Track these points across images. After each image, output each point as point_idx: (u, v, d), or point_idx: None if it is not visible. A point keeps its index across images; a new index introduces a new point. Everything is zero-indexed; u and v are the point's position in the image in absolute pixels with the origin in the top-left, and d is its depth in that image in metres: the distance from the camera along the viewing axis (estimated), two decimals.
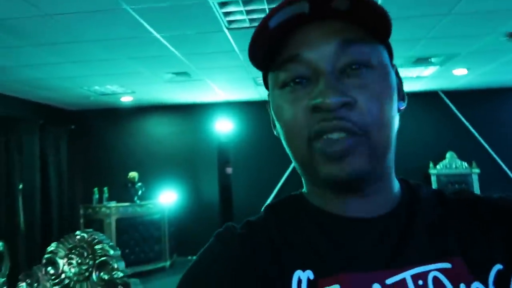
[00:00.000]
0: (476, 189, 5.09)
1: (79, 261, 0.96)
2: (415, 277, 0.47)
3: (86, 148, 6.03)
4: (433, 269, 0.48)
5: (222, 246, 0.55)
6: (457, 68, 4.40)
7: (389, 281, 0.47)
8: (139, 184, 5.48)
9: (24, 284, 0.96)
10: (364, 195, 0.53)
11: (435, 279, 0.47)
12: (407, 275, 0.47)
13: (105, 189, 5.48)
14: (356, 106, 0.48)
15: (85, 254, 0.97)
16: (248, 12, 2.65)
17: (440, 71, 4.46)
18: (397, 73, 0.57)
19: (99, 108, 6.01)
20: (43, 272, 0.96)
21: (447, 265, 0.48)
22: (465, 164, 5.22)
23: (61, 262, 0.97)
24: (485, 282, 0.47)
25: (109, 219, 5.11)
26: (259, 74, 4.30)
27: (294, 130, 0.51)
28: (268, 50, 0.51)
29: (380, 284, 0.47)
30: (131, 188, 5.41)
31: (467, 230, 0.52)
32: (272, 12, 0.47)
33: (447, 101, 5.62)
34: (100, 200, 5.42)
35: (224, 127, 6.16)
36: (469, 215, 0.54)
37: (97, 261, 0.99)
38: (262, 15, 2.71)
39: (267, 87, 0.59)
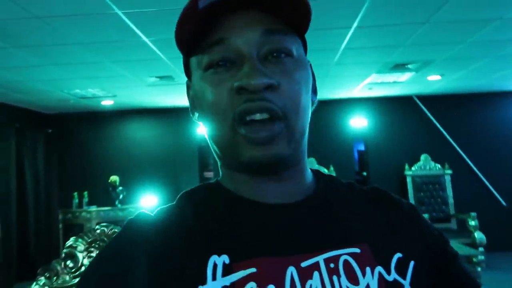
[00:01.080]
0: (449, 189, 5.32)
1: None
2: (327, 261, 0.50)
3: (64, 152, 5.91)
4: (344, 253, 0.51)
5: (134, 231, 0.54)
6: (431, 74, 4.61)
7: (303, 264, 0.49)
8: (120, 188, 5.44)
9: (42, 278, 0.99)
10: (280, 180, 0.55)
11: (345, 262, 0.50)
12: (320, 258, 0.50)
13: (85, 193, 5.41)
14: (278, 90, 0.50)
15: None
16: None
17: (415, 77, 4.66)
18: (311, 68, 0.60)
19: (78, 111, 5.93)
20: (62, 265, 0.98)
21: (356, 250, 0.52)
22: (438, 165, 5.44)
23: (80, 255, 1.00)
24: (387, 267, 0.52)
25: (90, 223, 5.04)
26: None
27: (218, 111, 0.52)
28: (193, 33, 0.52)
29: (295, 267, 0.49)
30: (112, 192, 5.36)
31: (374, 220, 0.57)
32: None
33: (421, 105, 5.85)
34: (80, 205, 5.34)
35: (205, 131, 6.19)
36: (377, 207, 0.60)
37: None
38: None
39: (186, 73, 0.60)
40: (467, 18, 2.91)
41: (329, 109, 5.92)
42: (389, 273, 0.51)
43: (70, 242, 0.97)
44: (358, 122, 5.98)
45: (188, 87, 0.62)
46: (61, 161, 5.85)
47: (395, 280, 0.51)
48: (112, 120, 6.08)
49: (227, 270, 0.48)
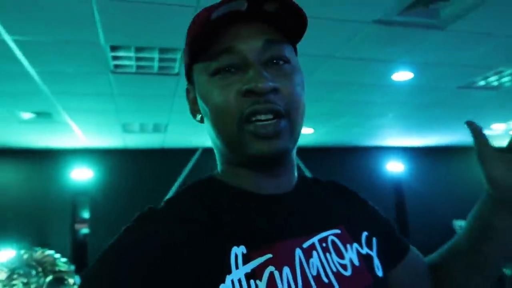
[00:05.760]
0: None
1: (25, 281, 0.87)
2: (320, 241, 0.61)
3: None
4: (330, 234, 0.63)
5: (148, 224, 0.55)
6: (305, 127, 5.20)
7: (305, 245, 0.59)
8: None
9: None
10: (279, 174, 0.62)
11: (332, 241, 0.62)
12: (315, 239, 0.60)
13: None
14: (280, 92, 0.57)
15: (33, 273, 0.89)
16: (138, 59, 2.76)
17: None
18: None
19: None
20: None
21: (337, 231, 0.64)
22: None
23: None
24: (360, 243, 0.65)
25: None
26: (128, 121, 4.24)
27: (225, 112, 0.57)
28: (203, 39, 0.57)
29: (299, 248, 0.58)
30: None
31: (343, 206, 0.71)
32: (217, 5, 0.54)
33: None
34: None
35: (81, 176, 5.73)
36: (340, 196, 0.73)
37: (47, 279, 0.91)
38: (151, 64, 2.85)
39: (188, 77, 0.66)
40: (333, 80, 3.45)
41: None
42: (362, 247, 0.65)
43: None
44: None
45: (188, 91, 0.67)
46: None
47: (367, 253, 0.65)
48: None
49: (246, 258, 0.53)
